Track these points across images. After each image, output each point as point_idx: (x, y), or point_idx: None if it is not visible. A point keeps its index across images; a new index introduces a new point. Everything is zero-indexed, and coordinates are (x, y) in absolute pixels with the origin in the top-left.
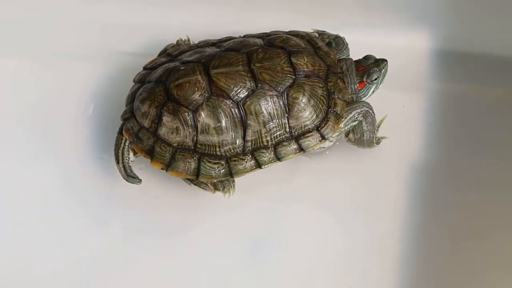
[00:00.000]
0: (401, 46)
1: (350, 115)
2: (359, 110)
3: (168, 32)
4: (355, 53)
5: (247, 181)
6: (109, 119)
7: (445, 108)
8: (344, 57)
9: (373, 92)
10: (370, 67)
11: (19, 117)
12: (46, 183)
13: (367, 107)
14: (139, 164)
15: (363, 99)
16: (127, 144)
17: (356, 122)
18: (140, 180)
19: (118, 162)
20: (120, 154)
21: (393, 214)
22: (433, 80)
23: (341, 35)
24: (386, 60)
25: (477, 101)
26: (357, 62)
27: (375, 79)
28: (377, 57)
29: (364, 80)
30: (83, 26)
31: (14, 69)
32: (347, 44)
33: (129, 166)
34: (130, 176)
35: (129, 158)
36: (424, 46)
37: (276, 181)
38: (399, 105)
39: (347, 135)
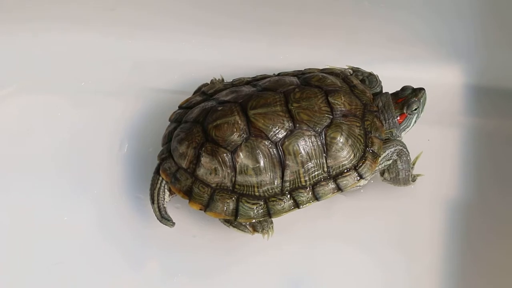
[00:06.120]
0: (432, 81)
1: (384, 154)
2: (393, 149)
3: (200, 68)
4: (386, 88)
5: (283, 220)
6: (144, 157)
7: (478, 144)
8: (378, 91)
9: (415, 122)
10: (409, 98)
11: (53, 155)
12: (81, 222)
13: (401, 146)
14: (175, 204)
15: (406, 130)
16: (163, 184)
17: (391, 161)
18: (173, 223)
19: (153, 203)
20: (155, 194)
21: (430, 251)
22: (465, 115)
23: (372, 70)
24: (423, 89)
25: (510, 136)
26: (395, 94)
27: (415, 109)
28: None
29: (405, 111)
30: (116, 63)
31: (47, 107)
32: (380, 81)
33: (164, 207)
34: (164, 218)
35: (164, 199)
36: (456, 81)
37: (311, 219)
38: (432, 141)
39: (382, 174)
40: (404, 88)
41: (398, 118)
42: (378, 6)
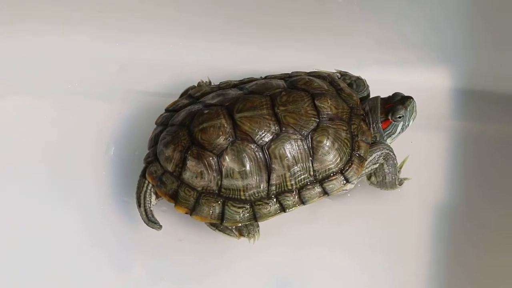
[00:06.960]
0: (420, 85)
1: (371, 158)
2: (379, 153)
3: (188, 71)
4: (373, 91)
5: (270, 224)
6: (131, 160)
7: (465, 148)
8: (365, 95)
9: (402, 129)
10: (396, 105)
11: (39, 157)
12: (66, 225)
13: (387, 149)
14: (161, 207)
15: (392, 136)
16: (149, 187)
17: (377, 164)
18: (161, 226)
19: (139, 206)
20: (142, 197)
21: (416, 256)
22: (452, 119)
23: (359, 73)
24: (411, 98)
25: (497, 140)
26: (387, 99)
27: (399, 117)
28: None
29: (389, 118)
30: (103, 65)
31: (33, 109)
32: (368, 86)
33: (151, 210)
34: (150, 221)
35: (150, 202)
36: (443, 84)
37: (298, 223)
38: (419, 144)
39: (369, 178)
40: (394, 94)
41: (382, 123)
42: (367, 9)
